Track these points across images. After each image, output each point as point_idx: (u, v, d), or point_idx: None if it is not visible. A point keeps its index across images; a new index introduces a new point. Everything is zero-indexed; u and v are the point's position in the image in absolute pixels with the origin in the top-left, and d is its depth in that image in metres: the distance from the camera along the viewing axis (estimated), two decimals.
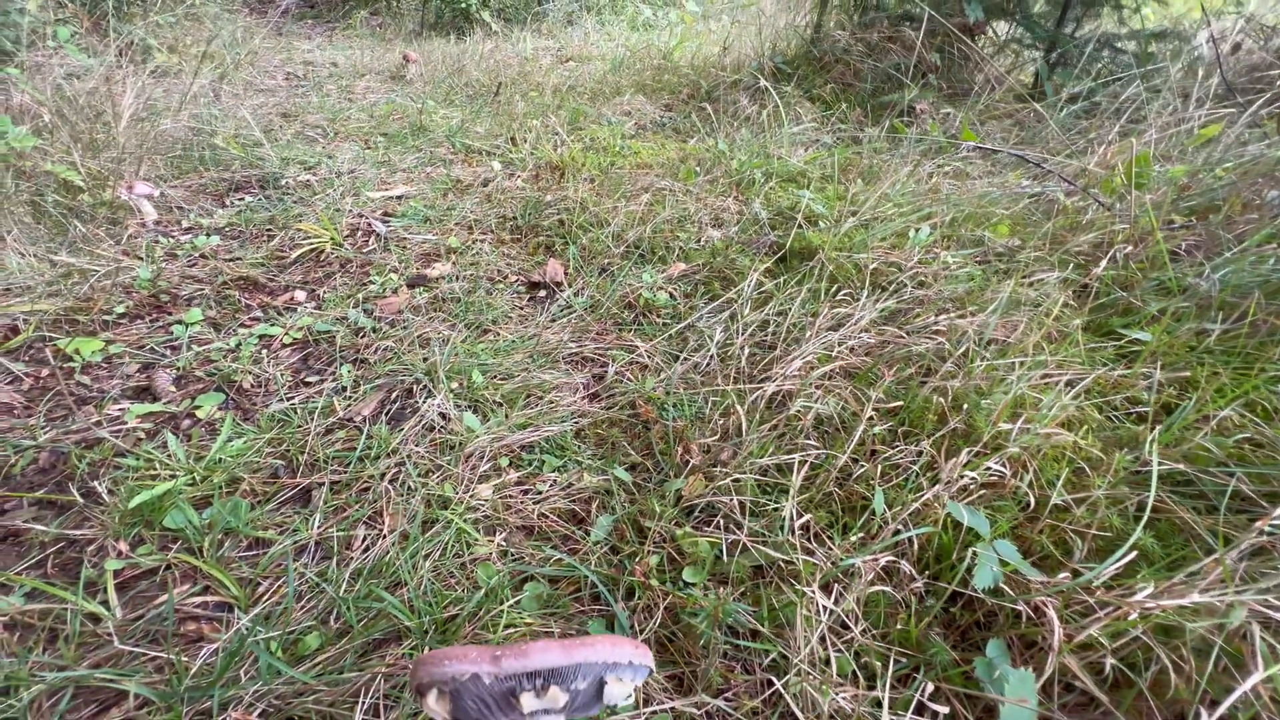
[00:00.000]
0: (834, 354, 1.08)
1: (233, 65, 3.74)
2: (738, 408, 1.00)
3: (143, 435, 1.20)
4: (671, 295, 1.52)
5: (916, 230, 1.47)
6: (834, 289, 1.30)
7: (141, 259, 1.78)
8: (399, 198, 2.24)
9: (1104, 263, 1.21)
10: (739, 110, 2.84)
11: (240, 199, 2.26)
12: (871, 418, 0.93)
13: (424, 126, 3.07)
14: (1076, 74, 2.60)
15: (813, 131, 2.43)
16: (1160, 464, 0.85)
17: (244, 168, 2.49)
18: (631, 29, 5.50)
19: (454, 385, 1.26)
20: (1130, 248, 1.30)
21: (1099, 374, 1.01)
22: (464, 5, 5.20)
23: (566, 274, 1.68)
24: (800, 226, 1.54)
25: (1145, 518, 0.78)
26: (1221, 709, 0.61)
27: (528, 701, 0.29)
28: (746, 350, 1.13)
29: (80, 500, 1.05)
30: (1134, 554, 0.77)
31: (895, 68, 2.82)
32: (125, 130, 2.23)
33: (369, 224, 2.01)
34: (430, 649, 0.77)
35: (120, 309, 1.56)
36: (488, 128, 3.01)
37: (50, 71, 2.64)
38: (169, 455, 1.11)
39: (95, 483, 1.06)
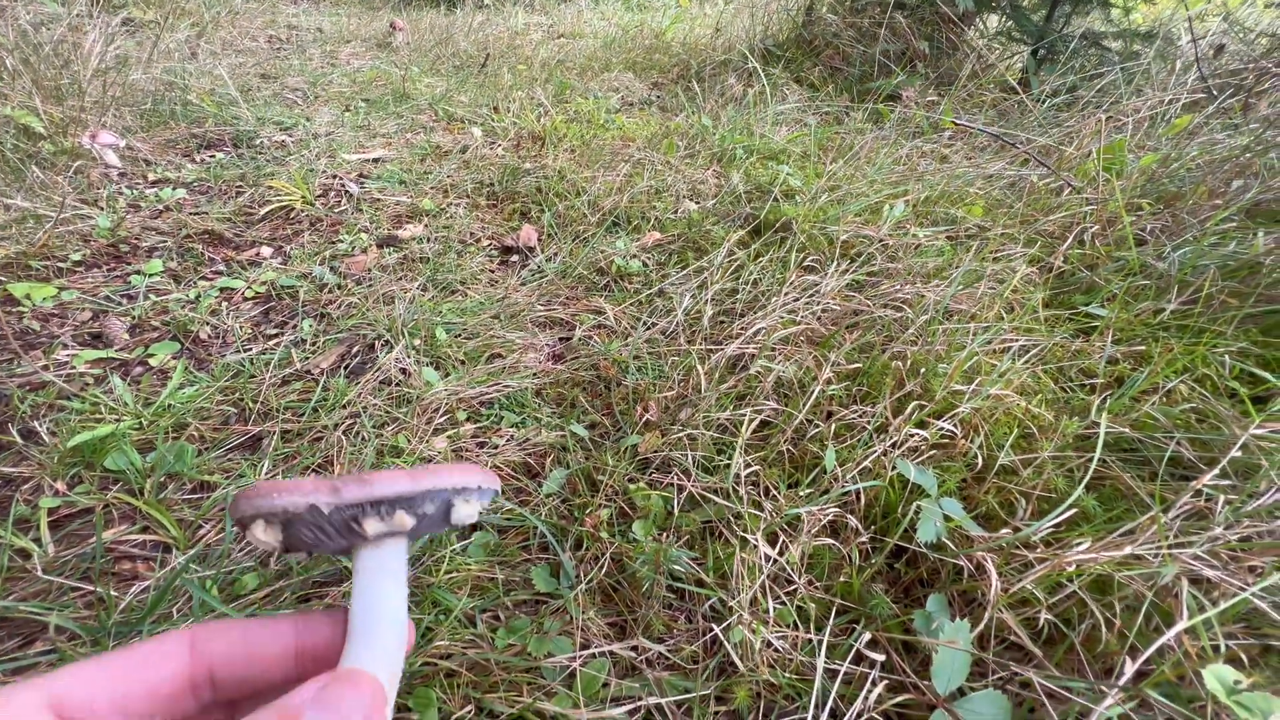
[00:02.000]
0: (798, 319, 1.08)
1: (211, 24, 3.64)
2: (698, 367, 0.99)
3: (90, 380, 1.16)
4: (644, 264, 1.51)
5: (891, 206, 1.47)
6: (804, 258, 1.29)
7: (102, 208, 1.73)
8: (376, 160, 2.19)
9: (1069, 241, 1.22)
10: (726, 90, 2.82)
11: (211, 155, 2.20)
12: (829, 379, 0.93)
13: (407, 94, 3.01)
14: (1061, 69, 2.61)
15: (798, 113, 2.42)
16: (1108, 430, 0.86)
17: (217, 125, 2.43)
18: (626, 8, 5.43)
19: (416, 341, 1.24)
20: (1097, 228, 1.31)
21: (1055, 342, 1.02)
22: None
23: (540, 239, 1.66)
24: (776, 200, 1.54)
25: (1087, 476, 0.79)
26: (1144, 656, 0.62)
27: (371, 526, 0.29)
28: (709, 311, 1.12)
29: (20, 441, 1.02)
30: (1074, 512, 0.77)
31: (884, 54, 2.81)
32: (91, 79, 2.16)
33: (343, 185, 1.97)
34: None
35: (76, 256, 1.51)
36: (472, 97, 2.96)
37: (15, 16, 2.55)
38: (115, 399, 1.08)
39: (35, 423, 1.03)
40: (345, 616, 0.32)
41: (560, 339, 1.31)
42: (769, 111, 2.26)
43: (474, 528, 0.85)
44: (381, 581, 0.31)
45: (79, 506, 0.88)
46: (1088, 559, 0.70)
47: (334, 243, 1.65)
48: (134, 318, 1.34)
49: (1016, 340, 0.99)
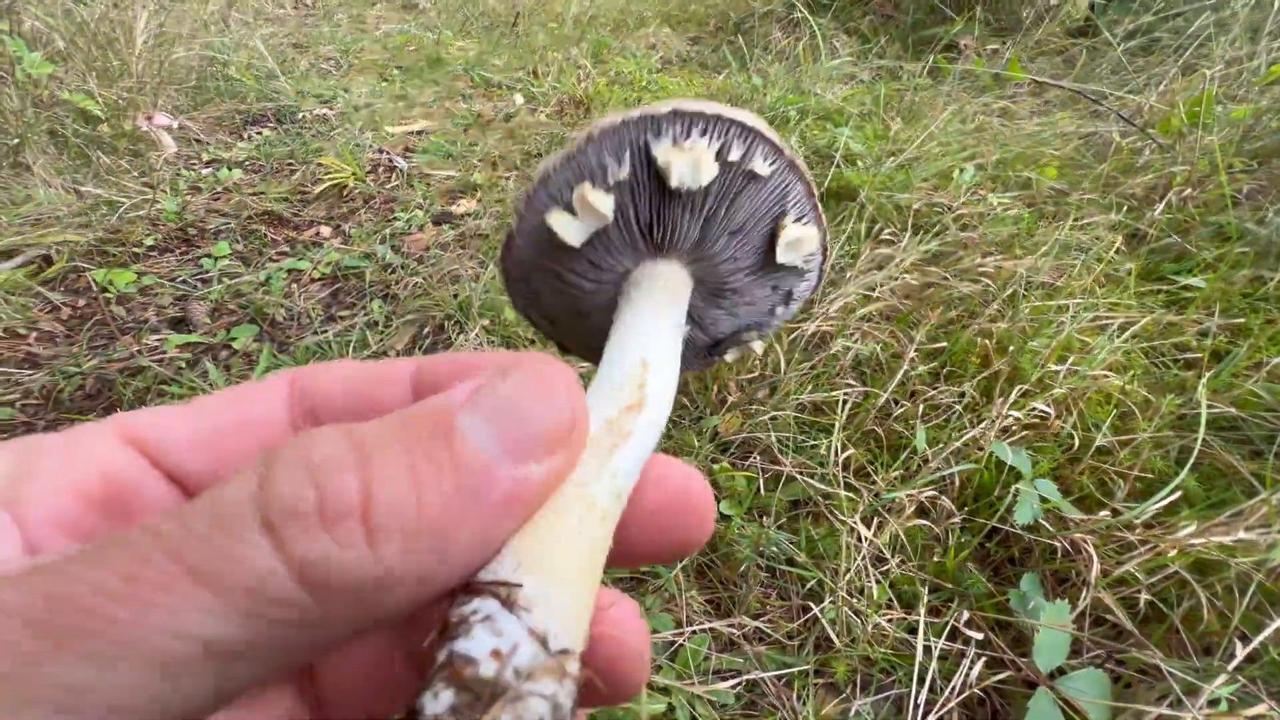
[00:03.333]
0: (875, 295, 1.06)
1: None
2: (776, 346, 0.99)
3: (183, 365, 1.22)
4: None
5: (961, 171, 1.41)
6: (875, 229, 1.26)
7: (166, 191, 1.77)
8: (419, 133, 2.18)
9: (1159, 206, 1.16)
10: (771, 44, 2.70)
11: (258, 132, 2.21)
12: (913, 359, 0.92)
13: (440, 59, 2.96)
14: (1135, 8, 2.43)
15: (850, 66, 2.31)
16: (1209, 407, 0.84)
17: (259, 100, 2.43)
18: None
19: (485, 322, 1.26)
20: (1188, 191, 1.24)
21: (1150, 319, 0.98)
22: None
23: None
24: (838, 166, 1.49)
25: (1191, 460, 0.78)
26: (1261, 637, 0.62)
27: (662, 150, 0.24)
28: None
29: None
30: (1176, 495, 0.77)
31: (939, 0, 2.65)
32: (139, 58, 2.17)
33: (390, 159, 1.97)
34: None
35: (149, 241, 1.56)
36: (506, 60, 2.90)
37: None
38: (210, 384, 1.13)
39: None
40: (496, 356, 0.24)
41: None
42: (820, 67, 2.16)
43: None
44: (637, 307, 0.25)
45: None
46: (1196, 543, 0.70)
47: (390, 221, 1.66)
48: (212, 301, 1.39)
49: (1113, 318, 0.96)
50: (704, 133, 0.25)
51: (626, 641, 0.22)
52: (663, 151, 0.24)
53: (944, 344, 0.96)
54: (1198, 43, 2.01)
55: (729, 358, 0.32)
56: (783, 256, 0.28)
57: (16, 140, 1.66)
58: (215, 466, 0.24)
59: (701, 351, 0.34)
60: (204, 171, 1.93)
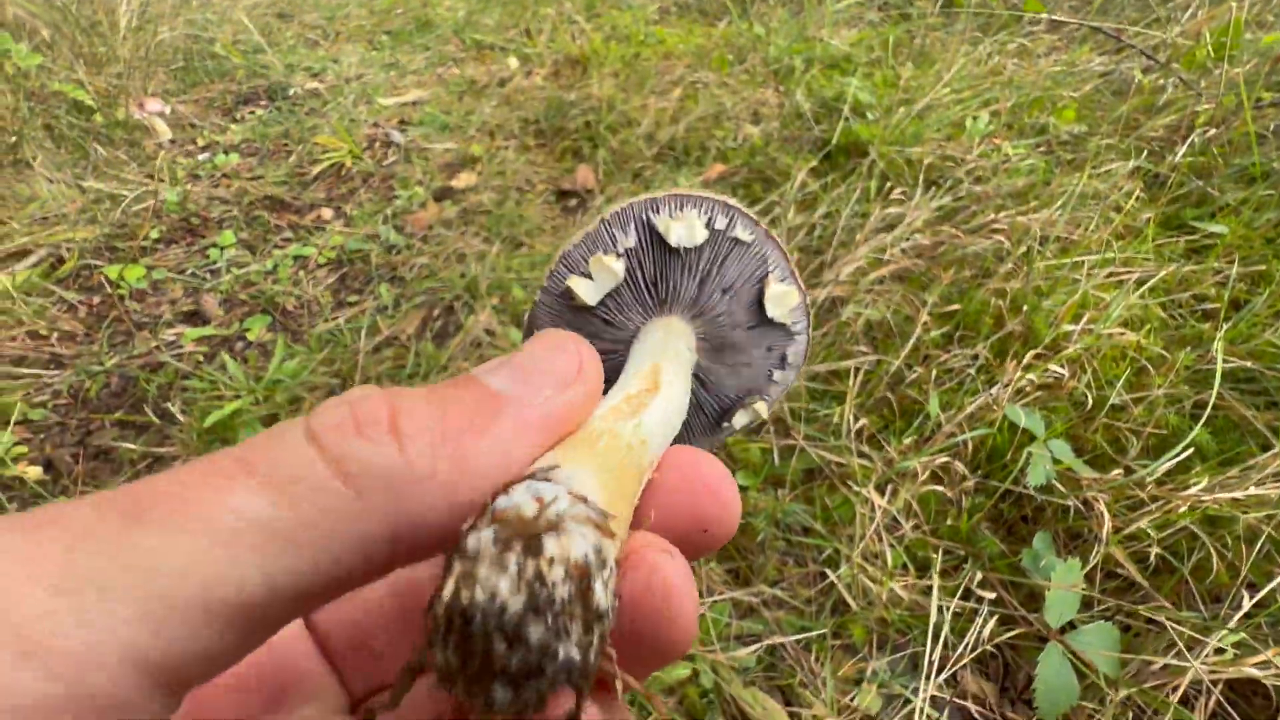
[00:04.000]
0: (886, 257, 1.04)
1: None
2: None
3: (201, 358, 1.24)
4: None
5: (975, 119, 1.36)
6: (886, 187, 1.23)
7: (165, 181, 1.76)
8: (413, 104, 2.13)
9: (1181, 150, 1.12)
10: None
11: (250, 112, 2.17)
12: (926, 323, 0.91)
13: (429, 21, 2.86)
14: None
15: (857, 8, 2.20)
16: (1224, 361, 0.83)
17: (248, 77, 2.38)
18: None
19: (494, 301, 1.26)
20: (1212, 130, 1.19)
21: (1168, 271, 0.96)
22: None
23: (597, 180, 1.62)
24: (847, 119, 1.44)
25: (1205, 415, 0.77)
26: (1264, 592, 0.63)
27: (662, 222, 0.30)
28: (796, 255, 1.09)
29: (156, 420, 1.11)
30: (1189, 451, 0.77)
31: None
32: (124, 42, 2.12)
33: (386, 134, 1.94)
34: None
35: (155, 234, 1.56)
36: (497, 19, 2.79)
37: None
38: (230, 377, 1.15)
39: (168, 404, 1.12)
40: None
41: None
42: (825, 10, 2.06)
43: None
44: (658, 332, 0.30)
45: None
46: (1206, 499, 0.70)
47: (391, 199, 1.64)
48: (222, 292, 1.40)
49: (1129, 273, 0.94)
50: (694, 206, 0.30)
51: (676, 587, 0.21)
52: (661, 221, 0.30)
53: (957, 305, 0.95)
54: None
55: (738, 424, 0.35)
56: (771, 311, 0.32)
57: (15, 138, 1.65)
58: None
59: (711, 422, 0.37)
60: (200, 157, 1.91)
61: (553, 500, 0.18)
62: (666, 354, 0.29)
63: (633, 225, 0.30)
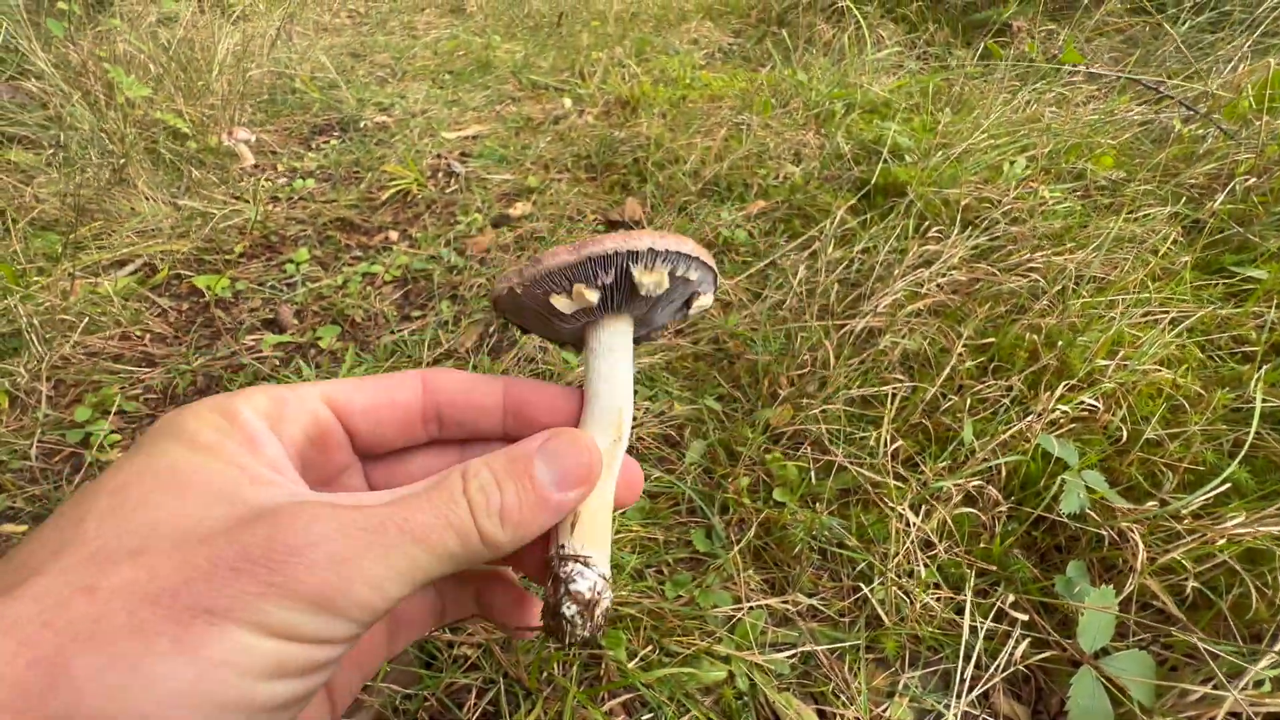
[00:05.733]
0: (922, 291, 1.09)
1: (300, 4, 3.79)
2: (825, 342, 1.04)
3: (278, 362, 1.35)
4: (751, 234, 1.53)
5: (1011, 163, 1.41)
6: (923, 226, 1.28)
7: (248, 201, 1.92)
8: (473, 138, 2.29)
9: (1221, 196, 1.15)
10: (815, 35, 2.69)
11: (325, 141, 2.36)
12: (961, 354, 0.95)
13: (489, 62, 3.07)
14: None
15: (896, 56, 2.29)
16: (1264, 401, 0.85)
17: (324, 110, 2.59)
18: None
19: None
20: (1253, 179, 1.21)
21: (1205, 312, 0.98)
22: None
23: (645, 213, 1.71)
24: (885, 161, 1.51)
25: (1243, 453, 0.79)
26: None
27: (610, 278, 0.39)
28: (835, 287, 1.15)
29: None
30: (1226, 486, 0.78)
31: None
32: (219, 77, 2.34)
33: (448, 165, 2.08)
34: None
35: (239, 249, 1.70)
36: (552, 62, 2.98)
37: (144, 18, 2.77)
38: (305, 380, 1.25)
39: None
40: (548, 387, 0.39)
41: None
42: (866, 58, 2.15)
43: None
44: (610, 358, 0.39)
45: None
46: (1244, 533, 0.72)
47: (452, 224, 1.76)
48: (297, 304, 1.52)
49: (1166, 313, 0.97)
50: (665, 262, 0.38)
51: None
52: (638, 273, 0.37)
53: (992, 339, 0.98)
54: (1273, 15, 1.92)
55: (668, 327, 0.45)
56: (693, 312, 0.44)
57: (122, 160, 1.83)
58: (375, 428, 0.37)
59: (642, 337, 0.48)
60: (280, 181, 2.09)
61: (601, 590, 0.36)
62: (625, 387, 0.40)
63: (614, 270, 0.37)
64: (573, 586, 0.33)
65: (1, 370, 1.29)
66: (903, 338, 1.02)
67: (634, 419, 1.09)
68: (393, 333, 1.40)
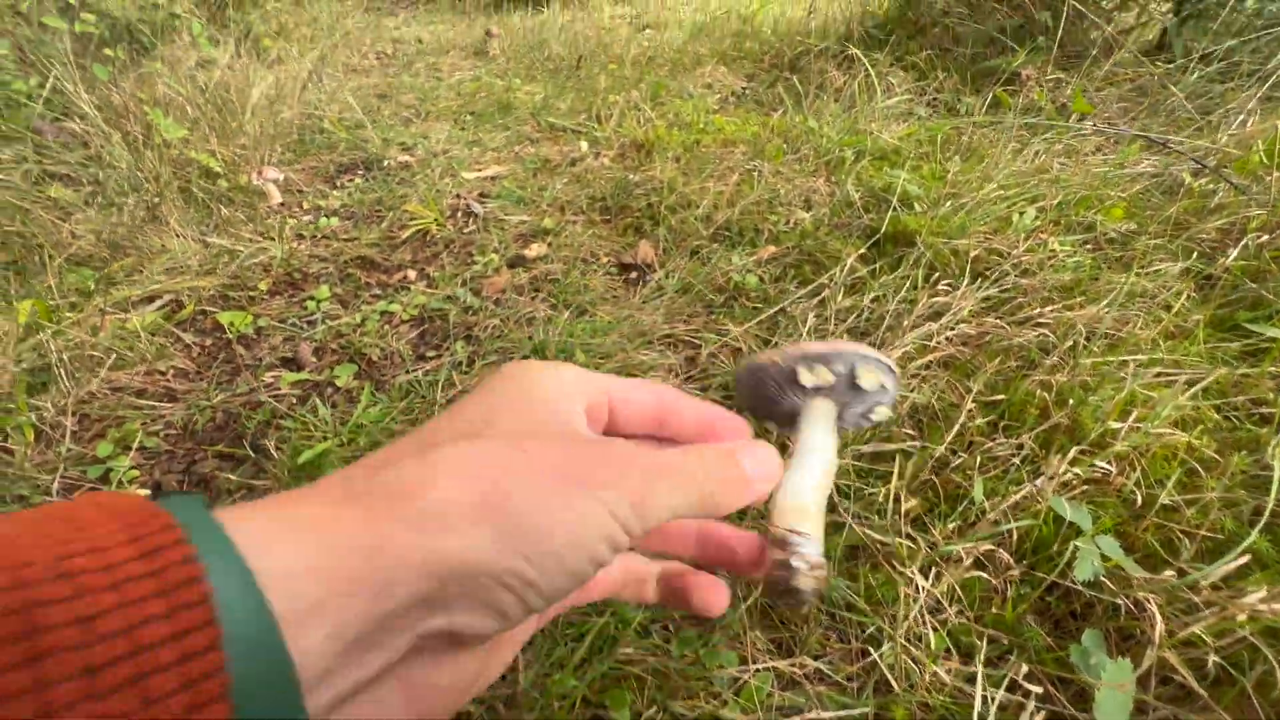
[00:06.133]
0: (932, 343, 1.09)
1: (330, 47, 3.96)
2: None
3: (295, 399, 1.37)
4: (761, 279, 1.55)
5: (1021, 214, 1.42)
6: (933, 277, 1.29)
7: (274, 239, 1.99)
8: (492, 178, 2.35)
9: (1234, 252, 1.15)
10: (826, 81, 2.76)
11: (349, 180, 2.44)
12: (971, 411, 0.95)
13: (509, 104, 3.17)
14: (1215, 29, 2.35)
15: (906, 103, 2.34)
16: None
17: (349, 149, 2.68)
18: None
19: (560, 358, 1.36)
20: (1265, 236, 1.21)
21: (1221, 373, 0.98)
22: None
23: (657, 256, 1.74)
24: (895, 210, 1.53)
25: (1264, 521, 0.77)
26: None
27: (804, 377, 0.45)
28: (837, 333, 1.16)
29: (252, 454, 1.24)
30: (1247, 557, 0.77)
31: (999, 30, 2.64)
32: (251, 119, 2.45)
33: (467, 205, 2.14)
34: None
35: (263, 286, 1.76)
36: (570, 104, 3.07)
37: (184, 62, 2.91)
38: (320, 419, 1.27)
39: (265, 441, 1.24)
40: (735, 416, 0.43)
41: (687, 359, 1.39)
42: (876, 106, 2.20)
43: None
44: (823, 424, 0.46)
45: None
46: (1264, 610, 0.70)
47: (469, 264, 1.81)
48: (316, 341, 1.55)
49: (1179, 373, 0.96)
50: (883, 372, 0.46)
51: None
52: (861, 372, 0.45)
53: (1002, 395, 0.98)
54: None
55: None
56: (875, 418, 0.50)
57: (156, 199, 1.91)
58: (623, 415, 0.41)
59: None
60: (305, 219, 2.16)
61: (819, 564, 0.40)
62: (832, 445, 0.46)
63: (844, 364, 0.45)
64: (802, 549, 0.39)
65: (31, 404, 1.33)
66: (912, 391, 1.02)
67: None
68: (408, 372, 1.43)
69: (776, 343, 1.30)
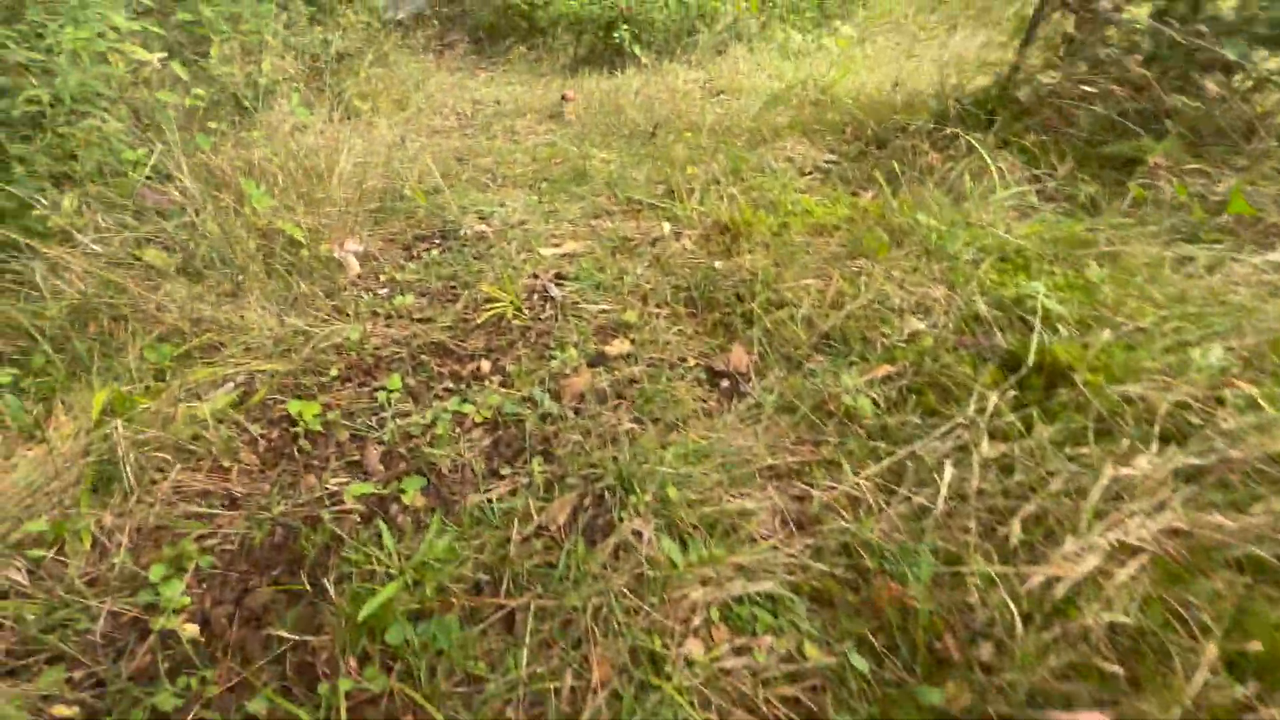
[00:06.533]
0: (1128, 539, 0.88)
1: (416, 110, 4.09)
2: (1010, 605, 0.83)
3: (358, 519, 1.26)
4: (876, 403, 1.36)
5: (1203, 352, 1.20)
6: (1105, 431, 1.08)
7: (349, 315, 1.94)
8: (570, 256, 2.27)
9: None
10: (922, 161, 2.59)
11: (426, 250, 2.41)
12: (1209, 657, 0.73)
13: (584, 172, 3.14)
14: None
15: (1022, 192, 2.14)
16: None
17: (428, 216, 2.67)
18: (783, 57, 5.33)
19: (647, 497, 1.20)
20: None
21: None
22: (616, 40, 5.33)
23: (751, 362, 1.58)
24: (1039, 334, 1.32)
25: None
26: None
27: None
28: (1017, 525, 0.95)
29: (309, 588, 1.12)
30: None
31: (1120, 113, 2.43)
32: (338, 186, 2.47)
33: (544, 286, 2.05)
34: None
35: (334, 372, 1.69)
36: (647, 174, 3.01)
37: (280, 128, 3.02)
38: (383, 549, 1.15)
39: (324, 574, 1.12)
40: None
41: (795, 498, 1.21)
42: (994, 199, 2.01)
43: None
44: None
45: (368, 694, 0.93)
46: None
47: (546, 358, 1.69)
48: (384, 443, 1.45)
49: None
50: None
51: None
52: None
53: (1258, 644, 0.75)
54: None
55: None
56: None
57: (240, 276, 1.90)
58: None
59: None
60: (381, 291, 2.12)
61: None
62: None
63: None
64: None
65: (95, 501, 1.26)
66: (1109, 609, 0.81)
67: (757, 661, 0.91)
68: (480, 490, 1.30)
69: (907, 495, 1.11)
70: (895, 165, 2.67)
